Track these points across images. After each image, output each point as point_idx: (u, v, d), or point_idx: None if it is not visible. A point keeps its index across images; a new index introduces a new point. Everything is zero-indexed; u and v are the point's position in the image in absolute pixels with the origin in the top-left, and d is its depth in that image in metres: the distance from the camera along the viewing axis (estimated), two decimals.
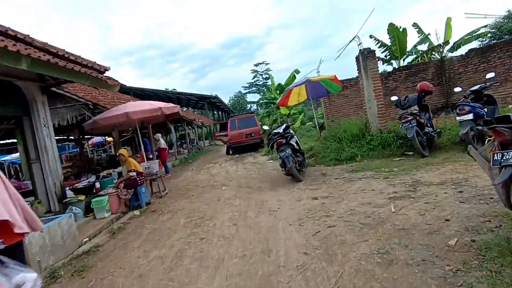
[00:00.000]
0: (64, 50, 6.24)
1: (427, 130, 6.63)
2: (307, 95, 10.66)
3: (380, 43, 13.37)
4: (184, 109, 38.14)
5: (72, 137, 14.64)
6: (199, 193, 7.40)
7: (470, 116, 5.82)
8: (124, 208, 6.63)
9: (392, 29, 12.66)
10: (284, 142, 6.57)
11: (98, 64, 7.06)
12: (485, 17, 13.97)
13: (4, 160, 17.30)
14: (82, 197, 6.25)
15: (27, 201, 6.99)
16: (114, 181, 7.37)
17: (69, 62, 5.84)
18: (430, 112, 7.24)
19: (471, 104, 6.05)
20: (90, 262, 4.04)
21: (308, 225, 3.90)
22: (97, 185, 7.41)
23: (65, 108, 10.00)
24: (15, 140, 13.00)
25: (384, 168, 6.03)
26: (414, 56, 14.98)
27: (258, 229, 4.10)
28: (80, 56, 6.64)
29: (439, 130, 7.03)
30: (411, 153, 6.76)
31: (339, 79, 9.78)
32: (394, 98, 7.30)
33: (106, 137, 18.71)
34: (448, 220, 3.19)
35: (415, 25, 14.29)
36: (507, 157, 2.29)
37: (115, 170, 8.18)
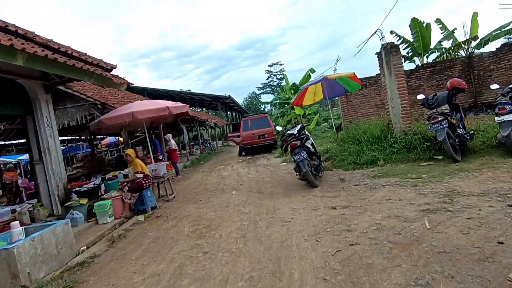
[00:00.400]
0: (69, 47, 5.95)
1: (460, 132, 5.96)
2: (323, 94, 10.07)
3: (401, 39, 12.60)
4: (198, 110, 38.09)
5: (83, 137, 14.55)
6: (207, 197, 6.97)
7: (511, 117, 5.14)
8: (128, 212, 6.27)
9: (415, 24, 11.89)
10: (298, 144, 6.05)
11: (104, 62, 6.76)
12: None
13: (20, 160, 17.48)
14: (84, 201, 5.93)
15: (29, 203, 6.81)
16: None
17: (72, 59, 5.54)
18: (462, 112, 6.55)
19: (511, 102, 5.36)
20: (82, 276, 3.65)
21: (326, 241, 3.37)
22: (103, 187, 7.13)
23: (75, 107, 9.81)
24: None
25: (411, 174, 5.41)
26: (438, 53, 14.11)
27: (269, 244, 3.60)
28: (86, 54, 6.34)
29: (472, 132, 6.34)
30: (440, 157, 6.10)
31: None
32: (420, 96, 6.65)
33: (119, 137, 18.65)
34: (501, 243, 2.60)
35: (438, 21, 13.44)
36: None
37: (122, 172, 7.86)
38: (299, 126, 6.79)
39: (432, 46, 13.01)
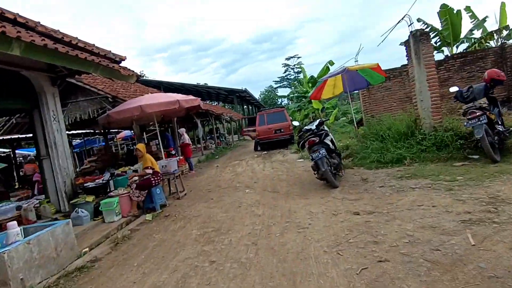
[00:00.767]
0: (76, 38, 5.68)
1: (499, 129, 5.30)
2: (344, 87, 9.48)
3: (429, 27, 11.70)
4: (214, 104, 37.92)
5: (97, 131, 14.54)
6: (219, 195, 6.61)
7: None
8: (136, 211, 6.00)
9: (445, 11, 10.98)
10: (317, 141, 5.56)
11: (113, 53, 6.47)
12: None
13: (29, 155, 17.75)
14: (90, 198, 5.69)
15: (37, 199, 6.68)
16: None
17: (76, 50, 5.25)
18: (499, 106, 5.85)
19: None
20: (79, 284, 3.37)
21: (350, 254, 2.91)
22: (112, 184, 6.89)
23: (86, 101, 9.67)
24: None
25: (444, 176, 4.83)
26: (467, 43, 13.08)
27: (283, 255, 3.18)
28: (93, 45, 6.07)
29: (511, 128, 5.64)
30: (476, 156, 5.46)
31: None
32: (453, 89, 5.98)
33: (132, 130, 18.63)
34: None
35: (467, 9, 12.39)
36: None
37: (131, 167, 7.62)
38: (318, 121, 6.29)
39: (462, 35, 12.03)
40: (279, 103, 59.65)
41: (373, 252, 2.86)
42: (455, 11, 11.12)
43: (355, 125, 9.72)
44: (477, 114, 5.04)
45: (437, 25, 11.95)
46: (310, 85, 20.56)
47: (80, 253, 4.28)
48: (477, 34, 12.85)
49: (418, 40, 6.40)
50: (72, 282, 3.41)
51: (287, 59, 66.13)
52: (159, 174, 6.36)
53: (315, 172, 5.74)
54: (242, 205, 5.52)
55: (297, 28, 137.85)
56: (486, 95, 5.56)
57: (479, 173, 4.67)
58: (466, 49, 12.42)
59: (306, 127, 6.25)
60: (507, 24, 11.47)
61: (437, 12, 11.44)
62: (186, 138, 11.69)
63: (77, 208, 5.41)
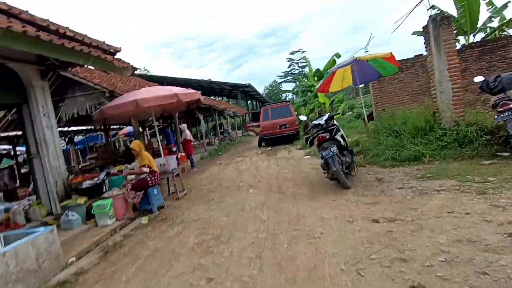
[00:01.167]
0: (66, 27, 5.21)
1: None
2: (353, 79, 8.90)
3: (445, 14, 10.97)
4: (217, 99, 37.42)
5: (97, 127, 14.15)
6: (221, 196, 6.16)
7: None
8: (132, 213, 5.57)
9: None
10: (327, 137, 5.04)
11: (107, 44, 5.99)
12: None
13: None
14: (81, 200, 5.26)
15: (29, 200, 6.29)
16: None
17: (64, 39, 4.79)
18: None
19: None
20: None
21: (374, 276, 2.42)
22: (108, 183, 6.47)
23: (84, 96, 9.25)
24: None
25: (472, 176, 4.29)
26: (484, 32, 12.33)
27: (292, 272, 2.70)
28: (86, 35, 5.59)
29: None
30: (506, 154, 4.90)
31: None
32: (478, 79, 5.42)
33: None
34: None
35: None
36: None
37: (128, 166, 7.18)
38: (327, 115, 5.77)
39: (479, 23, 11.30)
40: (283, 97, 58.94)
41: (402, 274, 2.36)
42: None
43: (366, 120, 9.16)
44: (511, 106, 4.48)
45: (453, 12, 11.25)
46: (315, 78, 19.91)
47: (66, 263, 3.85)
48: (495, 23, 12.10)
49: (438, 25, 5.81)
50: None
51: (292, 53, 65.19)
52: (157, 174, 5.91)
53: (325, 171, 5.24)
54: (245, 207, 5.06)
55: (302, 22, 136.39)
56: None
57: None
58: (483, 38, 11.69)
59: (314, 122, 5.75)
60: None
61: None
62: (188, 134, 11.24)
63: (67, 211, 4.99)
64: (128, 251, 4.02)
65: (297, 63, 64.78)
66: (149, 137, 17.67)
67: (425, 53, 10.05)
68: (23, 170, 13.68)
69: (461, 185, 4.06)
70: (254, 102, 44.86)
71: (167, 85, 22.33)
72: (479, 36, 12.46)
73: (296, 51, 64.28)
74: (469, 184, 4.01)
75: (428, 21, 6.10)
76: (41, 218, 5.39)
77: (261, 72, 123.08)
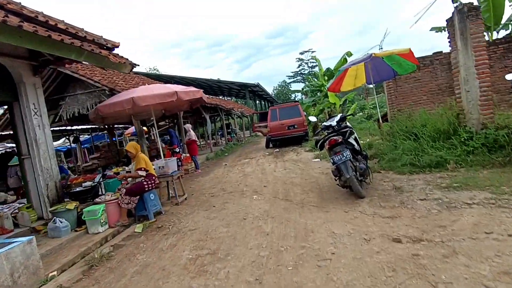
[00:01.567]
0: (57, 19, 4.85)
1: None
2: (367, 78, 8.34)
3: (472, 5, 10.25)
4: (226, 99, 37.09)
5: (101, 126, 13.89)
6: (223, 202, 5.71)
7: None
8: (126, 220, 5.17)
9: None
10: (339, 140, 4.53)
11: (104, 39, 5.63)
12: None
13: None
14: (71, 205, 4.88)
15: (21, 203, 5.95)
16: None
17: (55, 32, 4.42)
18: None
19: None
20: None
21: None
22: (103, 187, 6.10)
23: (85, 94, 8.97)
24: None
25: (509, 188, 3.72)
26: (506, 30, 11.57)
27: None
28: (82, 29, 5.24)
29: None
30: None
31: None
32: (510, 76, 4.83)
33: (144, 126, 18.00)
34: None
35: None
36: None
37: (126, 167, 6.80)
38: (339, 116, 5.26)
39: (503, 19, 10.55)
40: (292, 98, 58.30)
41: None
42: None
43: (380, 121, 8.58)
44: None
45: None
46: (326, 78, 19.31)
47: (46, 278, 3.46)
48: None
49: (465, 17, 5.23)
50: None
51: (301, 53, 64.59)
52: (154, 177, 5.50)
53: (336, 177, 4.73)
54: (248, 217, 4.59)
55: (312, 22, 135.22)
56: None
57: None
58: (507, 34, 10.94)
59: (325, 124, 5.24)
60: None
61: None
62: (192, 135, 10.84)
63: (54, 218, 4.61)
64: (115, 266, 3.59)
65: (306, 63, 64.14)
66: (154, 137, 17.40)
67: (444, 50, 9.49)
68: None
69: (496, 198, 3.51)
70: (263, 102, 44.38)
71: (175, 84, 22.07)
72: (501, 33, 11.71)
73: (306, 51, 63.70)
74: (507, 198, 3.46)
75: (453, 13, 5.52)
76: (30, 223, 5.04)
77: (270, 72, 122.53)
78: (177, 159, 8.96)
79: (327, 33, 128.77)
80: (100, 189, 6.26)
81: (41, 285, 3.31)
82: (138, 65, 6.36)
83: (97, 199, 5.16)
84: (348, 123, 5.37)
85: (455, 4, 5.46)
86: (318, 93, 21.02)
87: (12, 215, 5.08)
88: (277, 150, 12.79)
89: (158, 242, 4.17)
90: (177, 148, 9.44)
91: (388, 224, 3.38)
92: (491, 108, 5.30)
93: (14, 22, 3.63)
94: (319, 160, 8.51)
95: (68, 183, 6.37)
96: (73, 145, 17.06)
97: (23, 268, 3.27)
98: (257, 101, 41.76)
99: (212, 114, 19.04)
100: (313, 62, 60.41)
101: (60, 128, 12.91)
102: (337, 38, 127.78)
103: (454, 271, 2.30)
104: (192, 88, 6.46)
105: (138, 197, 5.24)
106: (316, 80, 22.73)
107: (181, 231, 4.47)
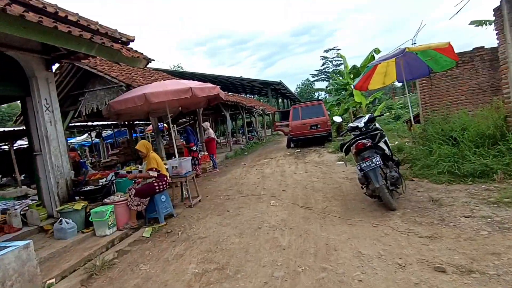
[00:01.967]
0: (76, 14, 4.64)
1: None
2: (398, 75, 7.67)
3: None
4: (247, 97, 36.83)
5: (121, 123, 13.94)
6: (238, 206, 5.33)
7: None
8: (136, 222, 4.91)
9: None
10: (368, 144, 4.01)
11: (119, 33, 5.37)
12: None
13: (71, 143, 17.77)
14: (78, 206, 4.67)
15: (33, 200, 5.85)
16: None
17: (63, 23, 4.19)
18: None
19: None
20: None
21: None
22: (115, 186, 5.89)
23: (103, 90, 8.89)
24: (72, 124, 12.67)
25: None
26: None
27: None
28: (97, 22, 5.01)
29: None
30: None
31: None
32: None
33: (162, 122, 18.04)
34: None
35: None
36: None
37: (140, 166, 6.58)
38: (367, 116, 4.72)
39: None
40: (316, 96, 57.16)
41: None
42: None
43: (412, 122, 7.87)
44: None
45: None
46: (351, 76, 18.44)
47: (43, 286, 3.22)
48: None
49: None
50: None
51: (326, 51, 63.02)
52: (166, 178, 5.20)
53: (363, 185, 4.22)
54: (263, 225, 4.18)
55: (338, 19, 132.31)
56: None
57: None
58: None
59: (351, 124, 4.73)
60: None
61: None
62: (211, 133, 10.57)
63: (61, 218, 4.41)
64: (116, 276, 3.30)
65: (331, 61, 62.62)
66: (176, 134, 17.36)
67: (486, 46, 8.59)
68: None
69: None
70: (285, 100, 43.69)
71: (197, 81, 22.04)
72: None
73: (331, 49, 62.10)
74: None
75: (501, 1, 4.81)
76: (39, 222, 4.89)
77: (294, 71, 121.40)
78: (193, 157, 8.73)
79: (353, 31, 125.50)
80: (112, 188, 6.06)
81: None
82: (153, 60, 6.08)
83: (106, 200, 4.93)
84: (377, 125, 4.82)
85: None
86: (343, 92, 20.14)
87: (23, 212, 4.96)
88: (299, 150, 12.28)
89: (164, 250, 3.85)
90: (194, 147, 9.18)
91: (427, 246, 2.85)
92: None
93: (15, 11, 3.40)
94: (343, 163, 7.94)
95: (86, 179, 6.24)
96: (96, 140, 17.36)
97: (17, 276, 3.03)
98: (280, 100, 41.15)
99: (233, 112, 18.74)
100: (337, 60, 58.90)
101: (82, 124, 13.05)
102: (363, 36, 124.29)
103: None
104: (208, 84, 6.12)
105: (148, 198, 4.96)
106: (341, 78, 21.85)
107: (191, 238, 4.13)
